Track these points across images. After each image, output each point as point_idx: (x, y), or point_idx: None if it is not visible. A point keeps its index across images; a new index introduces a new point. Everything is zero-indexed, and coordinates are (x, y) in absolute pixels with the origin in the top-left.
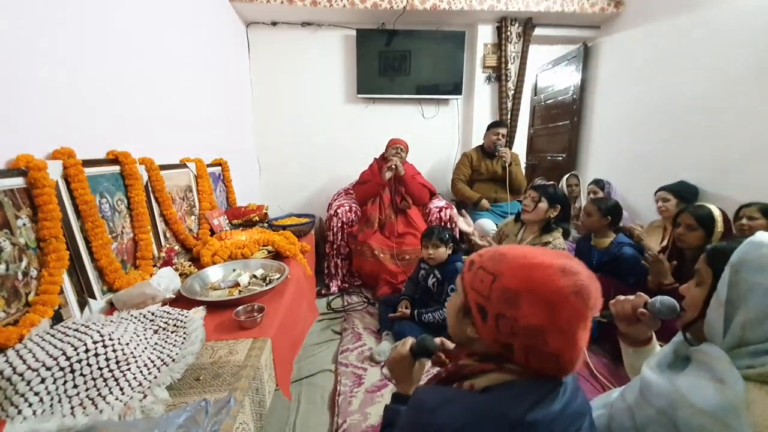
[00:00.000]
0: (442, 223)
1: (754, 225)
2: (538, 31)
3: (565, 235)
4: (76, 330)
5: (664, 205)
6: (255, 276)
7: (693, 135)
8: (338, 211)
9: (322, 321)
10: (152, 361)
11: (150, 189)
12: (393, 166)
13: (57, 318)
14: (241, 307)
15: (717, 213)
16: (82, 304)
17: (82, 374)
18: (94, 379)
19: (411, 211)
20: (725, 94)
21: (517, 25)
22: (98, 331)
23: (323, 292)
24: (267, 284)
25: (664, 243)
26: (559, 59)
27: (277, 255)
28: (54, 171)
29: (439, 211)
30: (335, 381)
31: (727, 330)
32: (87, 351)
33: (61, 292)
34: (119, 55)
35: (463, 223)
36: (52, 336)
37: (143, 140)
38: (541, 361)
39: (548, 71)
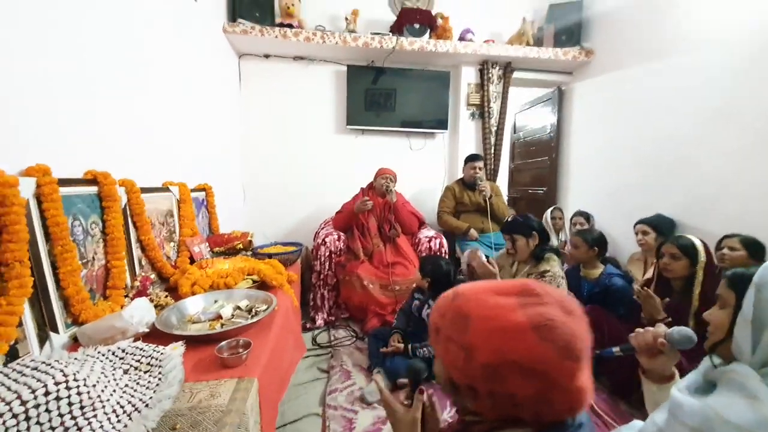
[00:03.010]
0: (432, 253)
1: (734, 255)
2: (516, 75)
3: (557, 253)
4: (35, 369)
5: (644, 238)
6: (239, 307)
7: (665, 171)
8: (326, 239)
9: (308, 358)
10: (122, 407)
11: (128, 212)
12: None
13: (12, 354)
14: (224, 343)
15: (698, 242)
16: (43, 339)
17: (38, 422)
18: (53, 429)
19: (400, 240)
20: (692, 133)
21: (498, 68)
22: (61, 371)
23: (308, 325)
24: (252, 316)
25: (649, 275)
26: (535, 101)
27: (262, 285)
28: (26, 189)
29: (429, 241)
30: (323, 426)
31: (755, 348)
32: (47, 394)
33: (20, 324)
34: (104, 72)
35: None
36: (6, 376)
37: (125, 161)
38: (553, 414)
39: (526, 111)
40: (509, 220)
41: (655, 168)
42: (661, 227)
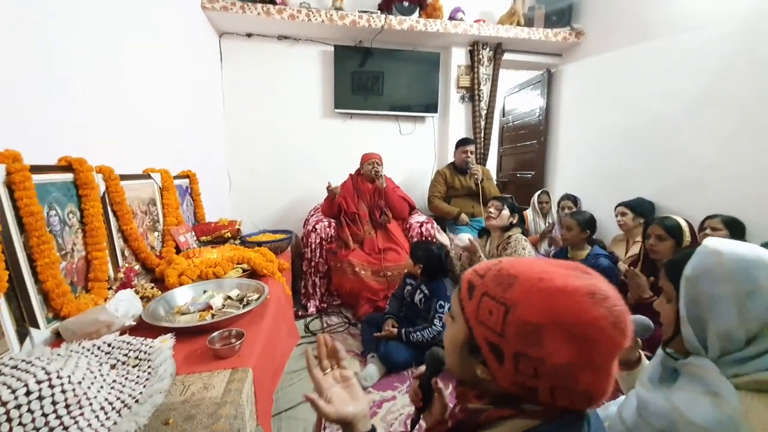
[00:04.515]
0: (423, 238)
1: (716, 236)
2: (507, 56)
3: (524, 233)
4: (15, 367)
5: (623, 219)
6: (230, 297)
7: (651, 154)
8: (317, 226)
9: (300, 345)
10: (110, 403)
11: (108, 201)
12: (377, 174)
13: None
14: (216, 333)
15: (683, 223)
16: (22, 335)
17: (21, 423)
18: (36, 429)
19: (391, 225)
20: (679, 116)
21: (488, 49)
22: (43, 368)
23: (300, 313)
24: (244, 306)
25: (629, 254)
26: (524, 84)
27: (252, 274)
28: None
29: (420, 226)
30: None
31: (704, 343)
32: (29, 394)
33: None
34: (74, 52)
35: (441, 237)
36: None
37: (102, 147)
38: (570, 399)
39: (515, 95)
40: (504, 196)
41: (641, 151)
42: (638, 208)
